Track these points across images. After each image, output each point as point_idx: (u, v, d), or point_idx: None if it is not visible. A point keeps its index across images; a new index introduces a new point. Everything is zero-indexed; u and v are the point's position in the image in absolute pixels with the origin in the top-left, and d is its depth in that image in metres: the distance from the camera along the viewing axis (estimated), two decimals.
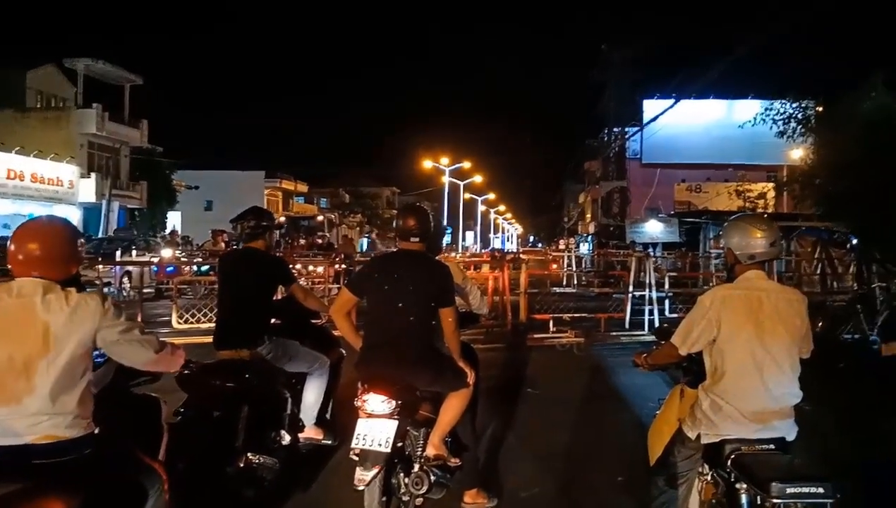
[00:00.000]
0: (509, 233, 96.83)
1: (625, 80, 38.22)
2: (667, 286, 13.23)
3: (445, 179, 48.24)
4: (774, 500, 2.58)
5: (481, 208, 69.36)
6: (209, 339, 4.58)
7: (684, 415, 3.17)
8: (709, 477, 3.10)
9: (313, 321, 5.15)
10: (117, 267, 16.56)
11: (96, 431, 2.58)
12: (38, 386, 2.43)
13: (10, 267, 2.63)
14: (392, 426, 3.46)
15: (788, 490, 2.58)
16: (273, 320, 4.67)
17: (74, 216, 27.77)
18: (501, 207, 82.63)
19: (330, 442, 4.83)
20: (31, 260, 2.58)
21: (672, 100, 27.88)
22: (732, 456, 2.90)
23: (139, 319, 9.76)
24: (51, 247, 2.62)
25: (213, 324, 8.57)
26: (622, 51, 38.95)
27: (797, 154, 19.77)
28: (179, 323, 10.16)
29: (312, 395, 4.70)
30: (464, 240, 63.19)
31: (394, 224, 4.21)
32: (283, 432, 4.39)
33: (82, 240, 2.86)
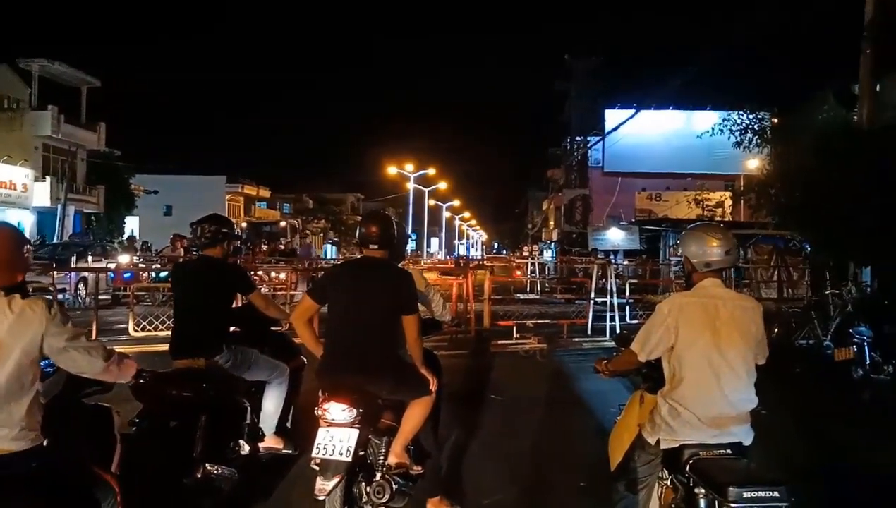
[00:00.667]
0: (474, 239, 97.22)
1: (587, 91, 38.73)
2: (628, 293, 13.40)
3: (410, 186, 48.24)
4: (732, 504, 2.61)
5: (446, 215, 69.52)
6: (167, 348, 4.48)
7: (644, 421, 3.20)
8: (668, 482, 3.13)
9: (273, 328, 5.09)
10: (72, 274, 16.15)
11: (45, 443, 2.49)
12: None
13: None
14: (353, 434, 3.43)
15: (745, 495, 2.62)
16: (232, 328, 4.59)
17: (28, 221, 27.02)
18: (466, 214, 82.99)
19: (291, 452, 4.76)
20: None
21: (633, 110, 28.38)
22: (691, 461, 2.93)
23: (94, 327, 9.52)
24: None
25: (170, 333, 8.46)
26: (584, 62, 39.49)
27: (754, 164, 20.29)
28: (136, 330, 9.94)
29: (272, 404, 4.63)
30: (429, 246, 63.20)
31: (357, 231, 4.18)
32: (242, 441, 4.31)
33: (29, 247, 2.79)
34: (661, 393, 3.12)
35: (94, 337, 3.37)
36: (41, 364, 2.56)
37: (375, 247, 3.82)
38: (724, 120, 18.56)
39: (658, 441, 3.06)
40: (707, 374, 2.98)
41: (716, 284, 3.14)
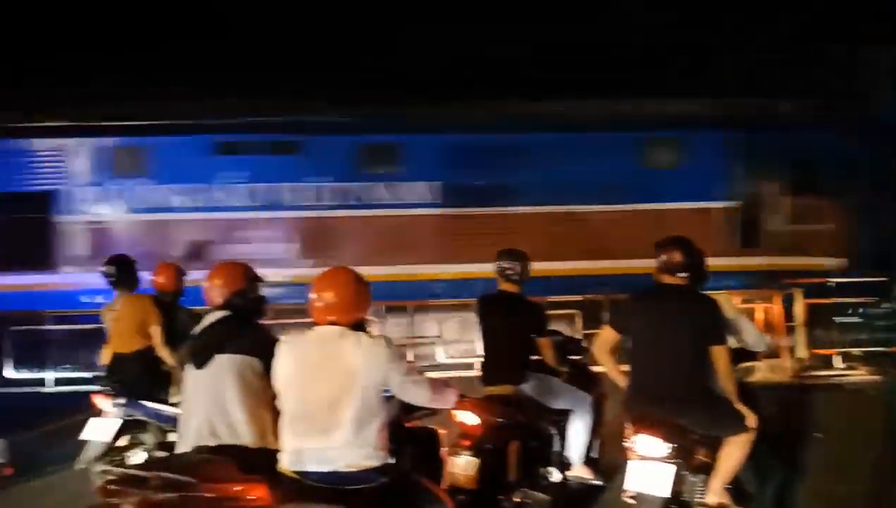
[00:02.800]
0: None
1: None
2: None
3: None
4: None
5: None
6: (472, 373, 4.78)
7: None
8: None
9: (571, 357, 5.16)
10: None
11: (391, 461, 2.83)
12: (343, 420, 2.74)
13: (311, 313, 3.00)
14: (669, 470, 3.33)
15: None
16: (533, 357, 4.76)
17: None
18: None
19: (599, 482, 4.76)
20: (328, 307, 2.92)
21: None
22: None
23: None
24: (343, 295, 2.95)
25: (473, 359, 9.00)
26: None
27: None
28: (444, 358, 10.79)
29: (577, 433, 4.68)
30: None
31: (656, 257, 4.08)
32: (551, 469, 4.43)
33: (369, 287, 3.14)
34: None
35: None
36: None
37: (683, 274, 3.70)
38: None
39: None
40: None
41: None
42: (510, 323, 4.60)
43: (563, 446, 4.65)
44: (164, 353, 5.10)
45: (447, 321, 10.24)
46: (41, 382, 9.53)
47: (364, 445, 2.75)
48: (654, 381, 3.62)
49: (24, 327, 9.50)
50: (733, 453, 3.57)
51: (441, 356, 10.28)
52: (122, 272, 5.32)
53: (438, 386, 3.06)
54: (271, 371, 3.02)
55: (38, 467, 5.21)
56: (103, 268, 5.34)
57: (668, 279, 3.79)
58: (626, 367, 3.91)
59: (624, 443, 3.57)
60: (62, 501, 4.64)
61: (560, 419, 4.68)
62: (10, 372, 9.49)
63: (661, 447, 3.37)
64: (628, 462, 3.52)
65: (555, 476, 4.43)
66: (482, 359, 4.86)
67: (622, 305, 4.02)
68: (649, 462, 3.39)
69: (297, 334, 3.01)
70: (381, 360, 2.81)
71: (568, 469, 4.65)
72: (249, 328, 3.45)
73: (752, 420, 3.60)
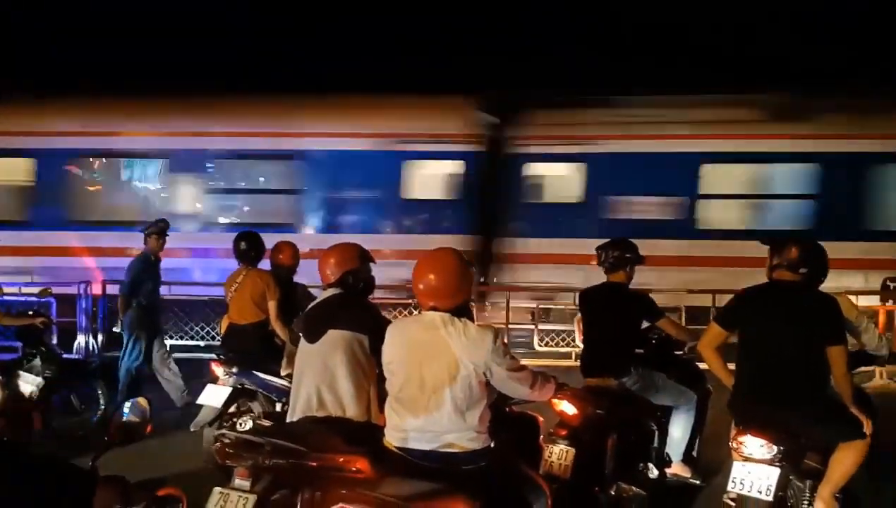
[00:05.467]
0: None
1: None
2: None
3: None
4: None
5: None
6: (569, 363, 4.75)
7: None
8: None
9: (677, 353, 5.04)
10: None
11: (492, 445, 2.87)
12: (446, 403, 2.80)
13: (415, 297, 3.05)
14: (774, 473, 3.21)
15: None
16: (637, 350, 4.68)
17: None
18: None
19: (697, 482, 4.65)
20: (430, 291, 2.95)
21: None
22: None
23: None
24: (445, 278, 2.94)
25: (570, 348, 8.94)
26: None
27: None
28: (541, 345, 10.75)
29: (679, 430, 4.58)
30: None
31: (770, 253, 3.92)
32: (650, 465, 4.36)
33: (472, 270, 3.15)
34: None
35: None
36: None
37: (803, 270, 3.53)
38: None
39: None
40: None
41: None
42: (615, 314, 4.54)
43: (663, 442, 4.57)
44: (278, 327, 5.35)
45: (543, 307, 10.19)
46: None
47: (466, 428, 2.80)
48: (764, 381, 3.49)
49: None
50: (846, 460, 3.40)
51: (536, 344, 10.25)
52: (251, 246, 5.59)
53: (539, 380, 3.05)
54: (379, 350, 3.11)
55: (156, 428, 5.60)
56: (238, 243, 5.61)
57: (783, 275, 3.63)
58: (732, 365, 3.78)
59: (728, 444, 3.46)
60: (177, 461, 4.96)
61: (662, 415, 4.59)
62: None
63: (767, 449, 3.26)
64: (732, 463, 3.41)
65: (653, 472, 4.35)
66: (583, 350, 4.83)
67: (732, 301, 3.89)
68: (754, 465, 3.28)
69: (404, 318, 3.10)
70: (485, 352, 2.83)
71: (667, 466, 4.56)
72: (359, 305, 3.58)
73: (867, 426, 3.42)
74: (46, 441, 5.53)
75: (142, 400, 1.88)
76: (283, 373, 5.18)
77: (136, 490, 1.57)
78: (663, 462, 4.52)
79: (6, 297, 6.94)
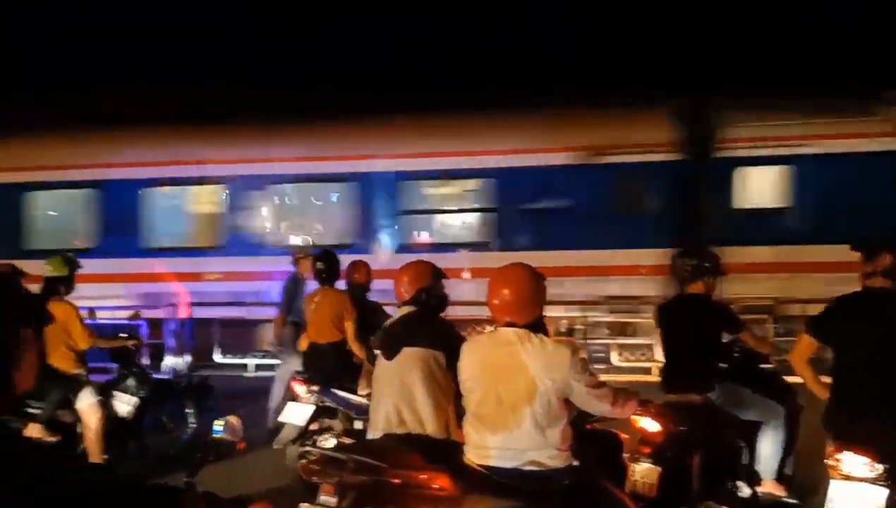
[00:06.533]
0: None
1: None
2: None
3: None
4: None
5: None
6: (649, 377, 4.63)
7: None
8: None
9: (762, 366, 4.84)
10: None
11: (575, 463, 2.82)
12: (525, 421, 2.77)
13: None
14: (881, 494, 3.03)
15: None
16: (721, 364, 4.52)
17: None
18: None
19: (792, 501, 4.43)
20: (505, 306, 2.94)
21: None
22: None
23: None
24: (520, 293, 2.93)
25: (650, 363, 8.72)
26: None
27: None
28: (619, 360, 10.52)
29: (769, 447, 4.39)
30: None
31: (862, 260, 3.73)
32: (740, 483, 4.19)
33: (545, 284, 3.08)
34: None
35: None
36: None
37: (888, 277, 3.35)
38: None
39: None
40: None
41: None
42: (696, 327, 4.41)
43: (752, 460, 4.39)
44: (356, 346, 5.45)
45: (621, 322, 9.99)
46: (244, 367, 10.55)
47: (547, 445, 2.77)
48: (862, 394, 3.31)
49: (230, 316, 10.56)
50: None
51: (614, 359, 10.05)
52: (327, 266, 5.72)
53: (620, 396, 2.99)
54: (455, 366, 3.12)
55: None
56: (315, 263, 5.76)
57: (876, 283, 3.44)
58: (826, 378, 3.61)
59: (825, 461, 3.29)
60: (262, 477, 5.09)
61: (750, 431, 4.41)
62: (218, 357, 10.60)
63: (870, 467, 3.08)
64: (830, 482, 3.24)
65: (744, 491, 4.18)
66: (664, 365, 4.70)
67: (825, 311, 3.71)
68: (856, 484, 3.10)
69: (479, 335, 3.10)
70: (564, 369, 2.79)
71: (758, 484, 4.37)
72: (435, 322, 3.61)
73: None
74: (140, 459, 5.78)
75: (232, 418, 1.94)
76: (361, 392, 5.25)
77: (229, 505, 1.62)
78: (754, 480, 4.34)
79: (99, 321, 7.29)
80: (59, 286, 5.24)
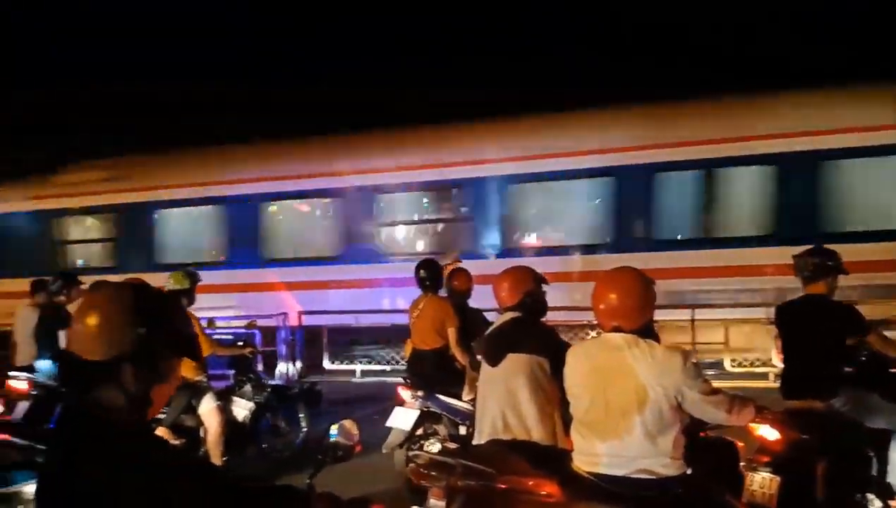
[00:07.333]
0: None
1: None
2: None
3: None
4: None
5: None
6: (765, 384, 4.42)
7: None
8: None
9: (893, 370, 4.52)
10: None
11: (688, 472, 2.74)
12: (635, 428, 2.71)
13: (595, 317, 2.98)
14: None
15: None
16: (847, 369, 4.26)
17: None
18: None
19: None
20: (610, 311, 2.87)
21: None
22: None
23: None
24: (627, 298, 2.86)
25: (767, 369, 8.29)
26: None
27: None
28: (733, 366, 10.09)
29: None
30: None
31: None
32: (870, 495, 3.92)
33: (653, 288, 2.99)
34: None
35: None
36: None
37: None
38: None
39: None
40: None
41: None
42: (817, 329, 4.17)
43: (883, 471, 4.09)
44: (458, 353, 5.50)
45: (734, 326, 9.56)
46: (352, 373, 10.86)
47: (659, 454, 2.70)
48: None
49: (339, 323, 10.89)
50: None
51: (727, 365, 9.65)
52: (429, 274, 5.81)
53: (736, 403, 2.87)
54: (561, 372, 3.09)
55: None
56: (417, 271, 5.86)
57: None
58: None
59: None
60: (370, 480, 5.21)
61: (879, 439, 4.12)
62: (327, 364, 10.97)
63: None
64: None
65: (875, 504, 3.91)
66: (783, 370, 4.48)
67: None
68: None
69: (585, 341, 3.06)
70: (675, 375, 2.72)
71: (892, 498, 4.07)
72: (538, 328, 3.60)
73: None
74: (258, 462, 6.06)
75: (347, 422, 2.00)
76: (465, 398, 5.30)
77: (348, 506, 1.68)
78: (887, 492, 4.04)
79: (217, 330, 7.72)
80: (182, 298, 5.58)
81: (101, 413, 1.51)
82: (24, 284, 7.62)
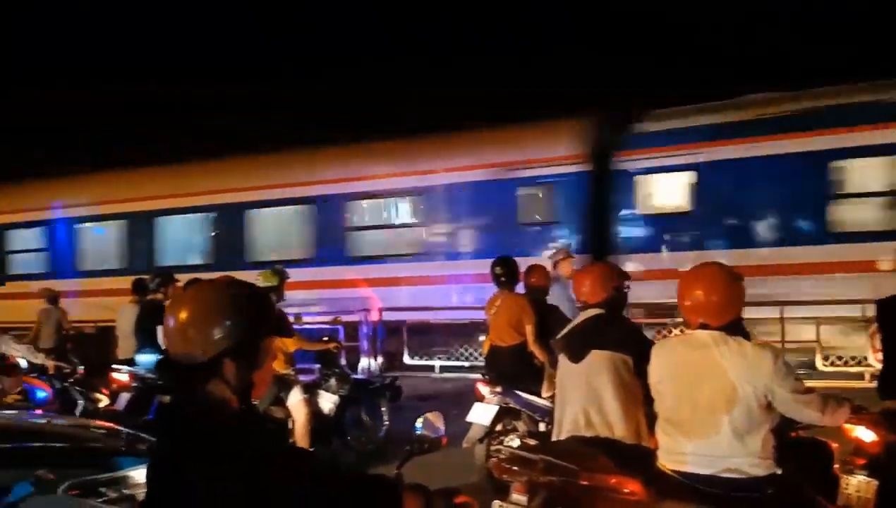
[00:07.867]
0: None
1: None
2: None
3: None
4: None
5: None
6: (860, 383, 4.22)
7: None
8: None
9: None
10: None
11: (778, 472, 2.67)
12: (723, 426, 2.66)
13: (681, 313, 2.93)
14: None
15: None
16: None
17: None
18: None
19: None
20: (698, 307, 2.80)
21: None
22: None
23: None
24: (714, 295, 2.78)
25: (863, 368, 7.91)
26: None
27: None
28: (825, 365, 9.66)
29: None
30: None
31: None
32: None
33: (742, 284, 2.90)
34: None
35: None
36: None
37: None
38: None
39: None
40: None
41: None
42: None
43: None
44: (536, 349, 5.50)
45: (827, 323, 9.16)
46: (431, 368, 11.00)
47: (748, 453, 2.64)
48: None
49: (418, 320, 11.06)
50: None
51: (819, 363, 9.25)
52: (506, 271, 5.83)
53: (830, 403, 2.77)
54: (644, 370, 3.06)
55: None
56: (494, 268, 5.89)
57: None
58: None
59: None
60: (451, 474, 5.23)
61: None
62: (407, 359, 11.15)
63: None
64: None
65: None
66: (882, 368, 4.27)
67: None
68: None
69: (670, 338, 3.02)
70: (766, 373, 2.65)
71: None
72: (620, 324, 3.57)
73: None
74: (343, 453, 6.24)
75: (433, 415, 2.06)
76: (544, 395, 5.29)
77: (436, 497, 1.73)
78: None
79: (304, 326, 7.96)
80: (271, 295, 5.80)
81: (206, 408, 1.59)
82: (126, 282, 8.09)
